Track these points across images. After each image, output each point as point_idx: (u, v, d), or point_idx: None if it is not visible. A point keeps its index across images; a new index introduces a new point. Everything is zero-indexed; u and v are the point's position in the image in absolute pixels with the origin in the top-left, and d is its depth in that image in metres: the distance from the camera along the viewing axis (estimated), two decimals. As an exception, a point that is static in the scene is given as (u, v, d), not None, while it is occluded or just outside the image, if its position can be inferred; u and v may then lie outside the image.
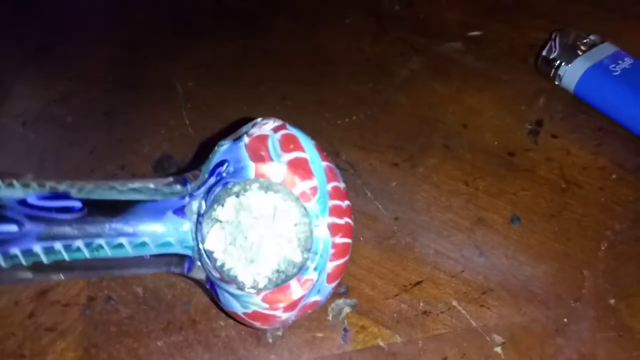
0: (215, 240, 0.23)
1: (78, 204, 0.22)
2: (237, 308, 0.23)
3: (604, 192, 0.32)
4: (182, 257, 0.24)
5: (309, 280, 0.22)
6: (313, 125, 0.36)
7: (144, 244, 0.23)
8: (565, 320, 0.27)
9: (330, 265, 0.23)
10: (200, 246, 0.23)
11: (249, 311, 0.23)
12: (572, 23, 0.39)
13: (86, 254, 0.22)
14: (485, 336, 0.26)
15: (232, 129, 0.24)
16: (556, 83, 0.38)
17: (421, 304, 0.27)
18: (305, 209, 0.22)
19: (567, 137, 0.35)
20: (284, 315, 0.23)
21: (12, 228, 0.21)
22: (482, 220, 0.31)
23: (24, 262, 0.22)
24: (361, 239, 0.30)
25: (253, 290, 0.22)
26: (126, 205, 0.22)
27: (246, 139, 0.23)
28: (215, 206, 0.23)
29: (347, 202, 0.24)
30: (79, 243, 0.22)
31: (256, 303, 0.22)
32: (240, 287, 0.22)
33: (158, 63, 0.42)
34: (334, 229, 0.23)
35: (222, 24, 0.46)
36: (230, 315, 0.25)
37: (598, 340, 0.26)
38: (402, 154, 0.34)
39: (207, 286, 0.24)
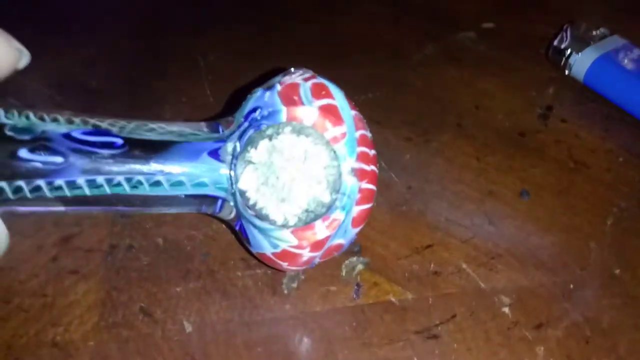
0: (248, 180, 0.24)
1: (119, 141, 0.23)
2: (266, 247, 0.24)
3: (611, 173, 0.33)
4: (214, 199, 0.25)
5: (336, 220, 0.23)
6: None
7: (180, 183, 0.24)
8: (571, 286, 0.27)
9: (356, 209, 0.24)
10: (234, 186, 0.24)
11: (278, 250, 0.24)
12: (582, 20, 0.40)
13: (126, 189, 0.23)
14: (493, 297, 0.27)
15: (264, 79, 0.25)
16: (566, 72, 0.39)
17: (432, 265, 0.28)
18: (334, 152, 0.23)
19: (576, 123, 0.36)
20: (310, 255, 0.24)
21: (58, 159, 0.22)
22: (492, 193, 0.32)
23: (68, 194, 0.22)
24: (374, 203, 0.31)
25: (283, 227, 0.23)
26: (165, 145, 0.23)
27: (278, 87, 0.24)
28: (248, 148, 0.24)
29: (373, 151, 0.25)
30: (120, 178, 0.23)
31: (285, 239, 0.23)
32: (271, 225, 0.23)
33: (180, 39, 0.44)
34: (360, 174, 0.24)
35: (242, 5, 0.48)
36: (256, 257, 0.25)
37: (603, 306, 0.27)
38: (416, 129, 0.35)
39: (237, 228, 0.25)
